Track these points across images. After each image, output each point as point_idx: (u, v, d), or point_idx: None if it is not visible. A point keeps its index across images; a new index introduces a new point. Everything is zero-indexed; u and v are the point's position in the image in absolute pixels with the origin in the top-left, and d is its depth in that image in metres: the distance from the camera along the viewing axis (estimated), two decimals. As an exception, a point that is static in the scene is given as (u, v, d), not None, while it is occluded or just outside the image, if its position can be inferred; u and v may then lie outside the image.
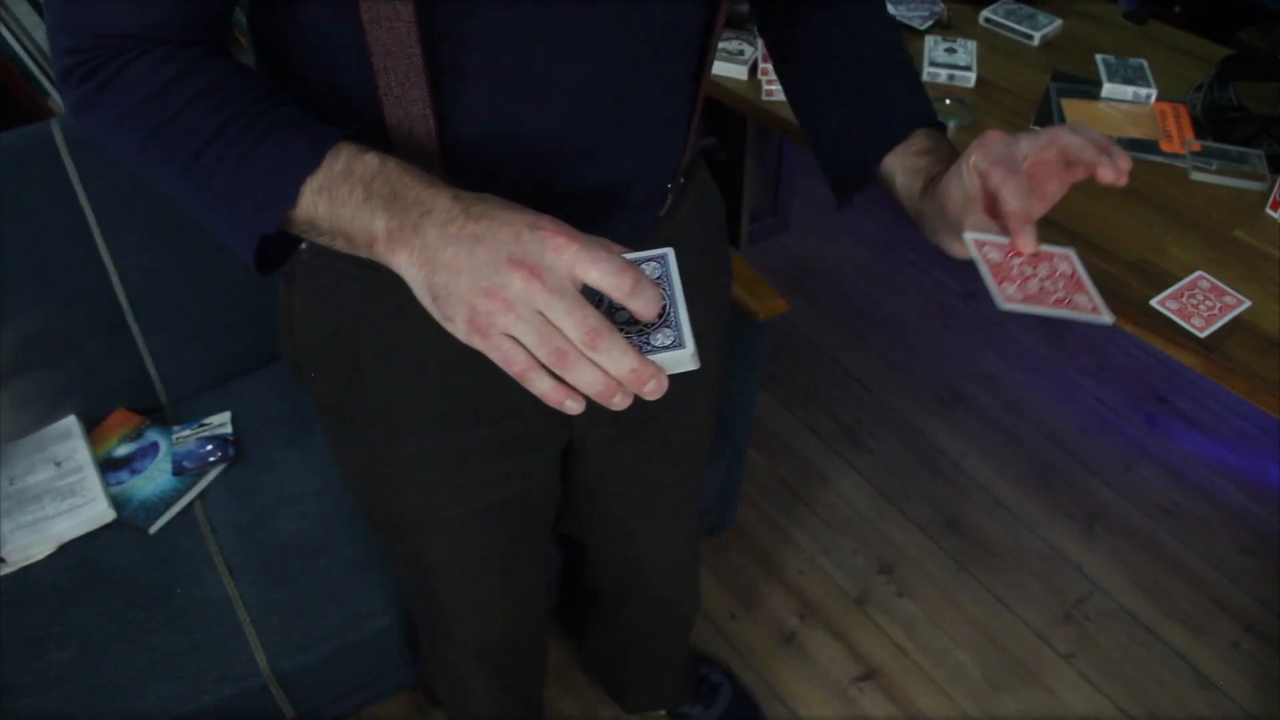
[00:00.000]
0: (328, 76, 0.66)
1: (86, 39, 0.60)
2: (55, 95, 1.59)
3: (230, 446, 1.44)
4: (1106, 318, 0.65)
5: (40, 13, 1.52)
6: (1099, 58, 1.51)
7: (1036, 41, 1.59)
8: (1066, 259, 0.69)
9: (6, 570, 1.30)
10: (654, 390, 0.52)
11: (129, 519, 1.35)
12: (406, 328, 0.76)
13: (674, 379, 0.54)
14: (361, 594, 1.29)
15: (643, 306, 0.52)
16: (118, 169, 1.39)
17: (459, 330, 0.54)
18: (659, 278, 0.58)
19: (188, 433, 1.46)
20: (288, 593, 1.29)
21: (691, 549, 1.32)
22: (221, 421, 1.48)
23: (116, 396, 1.49)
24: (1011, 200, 0.65)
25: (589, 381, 0.51)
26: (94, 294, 1.43)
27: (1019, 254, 0.66)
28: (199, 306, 1.50)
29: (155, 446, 1.44)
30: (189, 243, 1.46)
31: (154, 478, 1.40)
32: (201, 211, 0.62)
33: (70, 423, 1.44)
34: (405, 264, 0.55)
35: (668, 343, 0.55)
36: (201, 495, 1.39)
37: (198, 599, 1.28)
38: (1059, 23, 1.61)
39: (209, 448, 1.43)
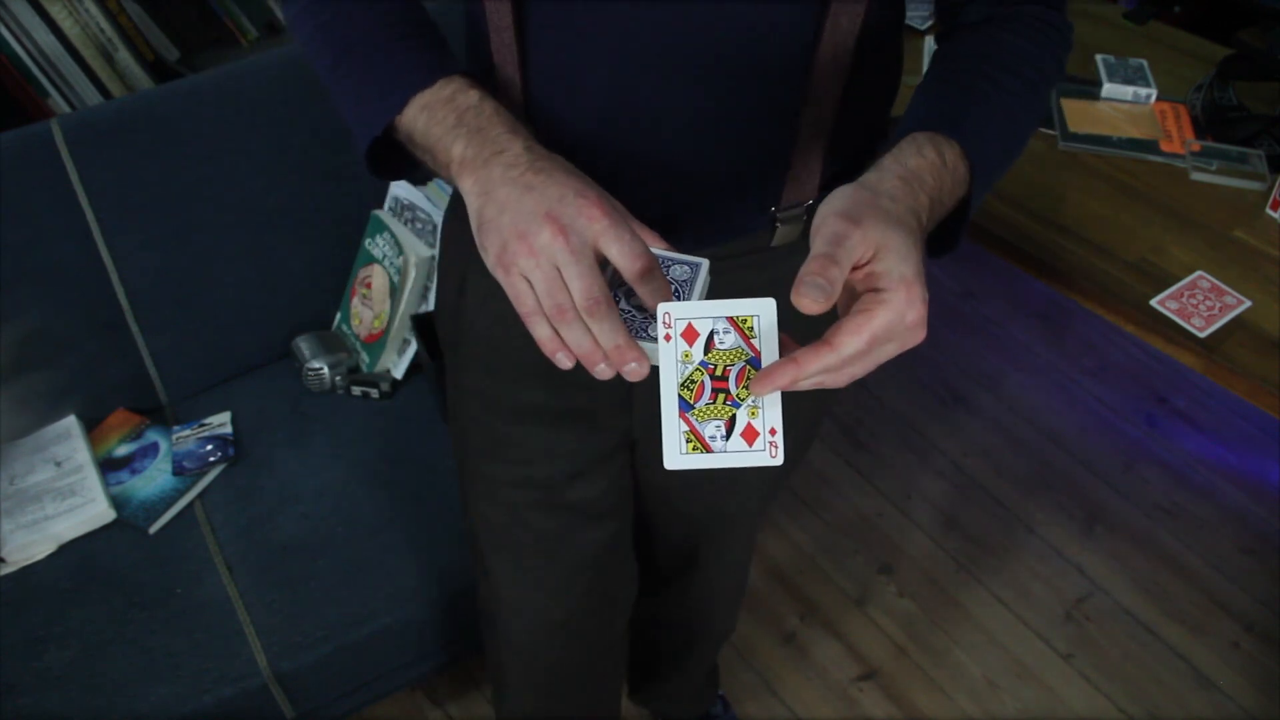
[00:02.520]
0: (476, 22, 0.75)
1: None
2: (55, 95, 1.59)
3: (230, 446, 1.44)
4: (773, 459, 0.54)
5: (40, 13, 1.52)
6: (1099, 58, 1.51)
7: (1036, 41, 1.58)
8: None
9: (6, 570, 1.30)
10: (633, 372, 0.56)
11: (129, 519, 1.35)
12: None
13: None
14: (361, 594, 1.29)
15: (648, 294, 0.56)
16: (118, 169, 1.39)
17: (489, 259, 0.59)
18: (684, 281, 0.59)
19: (188, 433, 1.46)
20: (288, 593, 1.29)
21: (738, 574, 1.30)
22: (221, 421, 1.48)
23: (116, 396, 1.49)
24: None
25: (577, 342, 0.56)
26: (94, 294, 1.43)
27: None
28: (199, 306, 1.50)
29: (155, 446, 1.44)
30: (189, 243, 1.46)
31: (154, 478, 1.40)
32: (339, 105, 0.70)
33: (70, 423, 1.44)
34: (469, 189, 0.61)
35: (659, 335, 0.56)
36: (201, 495, 1.39)
37: (198, 599, 1.28)
38: (1059, 23, 1.61)
39: (209, 448, 1.43)
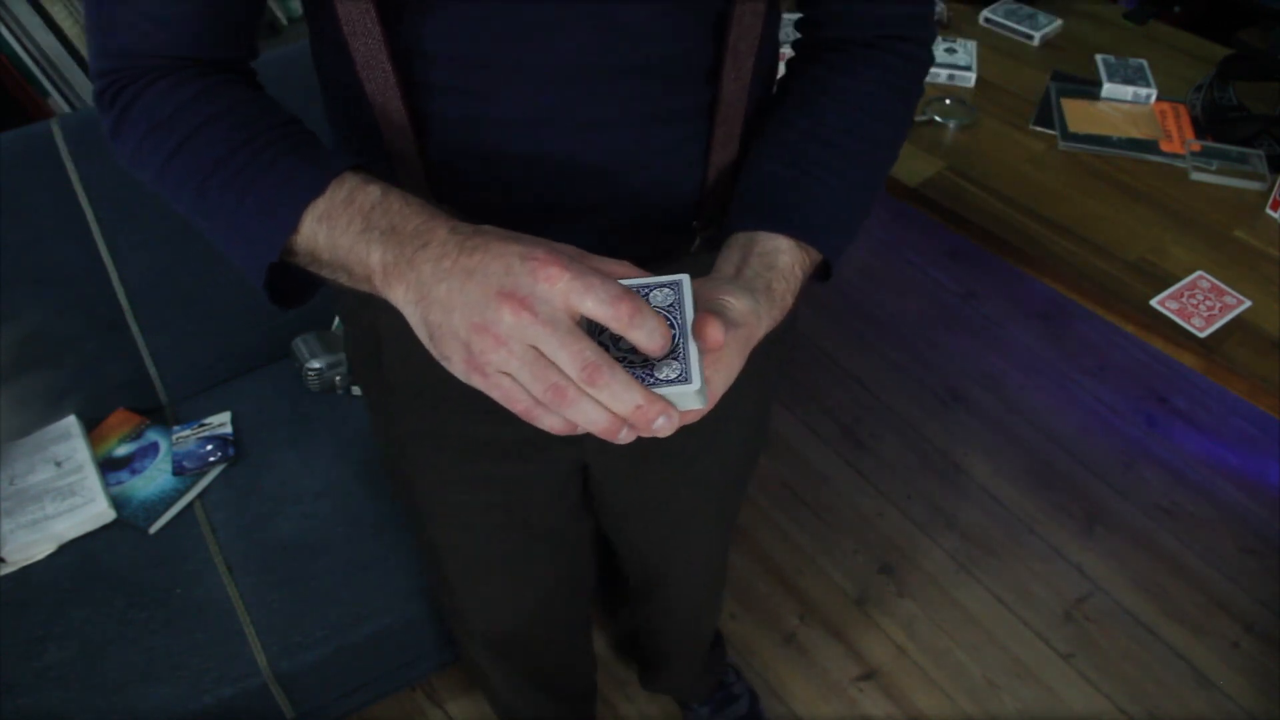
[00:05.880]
0: (346, 84, 0.67)
1: (116, 61, 0.62)
2: (55, 95, 1.59)
3: (230, 446, 1.44)
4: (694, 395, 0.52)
5: (40, 13, 1.52)
6: (1099, 58, 1.51)
7: (1036, 41, 1.59)
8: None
9: (6, 570, 1.30)
10: (664, 426, 0.49)
11: (129, 519, 1.35)
12: None
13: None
14: (361, 594, 1.29)
15: (644, 338, 0.49)
16: (117, 169, 1.39)
17: (457, 370, 0.51)
18: (670, 305, 0.54)
19: (188, 433, 1.46)
20: (288, 593, 1.29)
21: (715, 576, 1.30)
22: (221, 421, 1.48)
23: (116, 396, 1.49)
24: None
25: (591, 418, 0.49)
26: (94, 294, 1.43)
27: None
28: (199, 306, 1.50)
29: (155, 446, 1.44)
30: (189, 243, 1.46)
31: (154, 478, 1.40)
32: (217, 238, 0.62)
33: (70, 423, 1.44)
34: (401, 299, 0.53)
35: (673, 376, 0.51)
36: (201, 495, 1.39)
37: (198, 599, 1.28)
38: (1059, 23, 1.61)
39: (209, 448, 1.43)
